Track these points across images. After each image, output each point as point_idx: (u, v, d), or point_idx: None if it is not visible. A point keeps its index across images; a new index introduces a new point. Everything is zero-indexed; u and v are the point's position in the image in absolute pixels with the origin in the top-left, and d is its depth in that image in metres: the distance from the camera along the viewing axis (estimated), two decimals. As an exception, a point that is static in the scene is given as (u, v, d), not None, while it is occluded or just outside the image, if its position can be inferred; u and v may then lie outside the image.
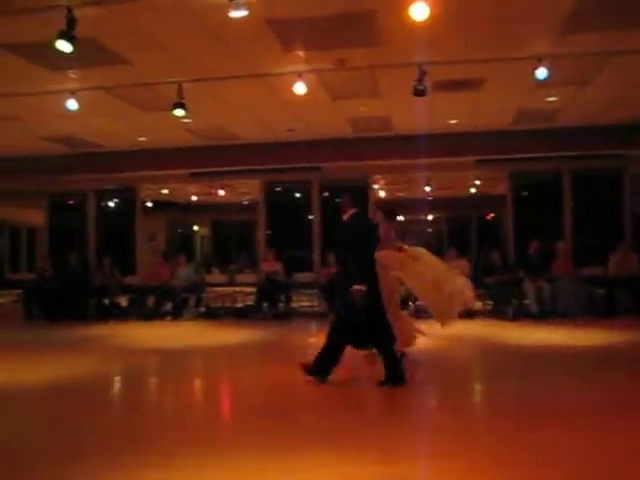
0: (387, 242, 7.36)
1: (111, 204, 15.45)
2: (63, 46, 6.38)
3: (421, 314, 8.47)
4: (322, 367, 6.51)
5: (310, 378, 6.53)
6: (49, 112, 10.50)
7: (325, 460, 4.22)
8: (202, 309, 13.62)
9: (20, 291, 15.24)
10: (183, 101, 8.77)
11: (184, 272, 13.74)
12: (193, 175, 14.66)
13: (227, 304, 13.78)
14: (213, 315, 13.32)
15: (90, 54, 7.57)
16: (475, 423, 5.29)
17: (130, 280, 13.91)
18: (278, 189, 14.74)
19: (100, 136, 12.73)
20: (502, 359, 8.28)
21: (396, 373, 6.40)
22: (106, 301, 13.70)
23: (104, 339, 10.91)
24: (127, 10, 6.49)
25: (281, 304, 13.14)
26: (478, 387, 7.22)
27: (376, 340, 6.56)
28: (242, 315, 13.07)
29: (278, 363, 8.35)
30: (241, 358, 8.90)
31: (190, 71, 8.51)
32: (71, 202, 15.80)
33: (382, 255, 6.84)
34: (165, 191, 17.42)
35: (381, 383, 6.37)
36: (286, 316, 12.88)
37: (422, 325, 7.78)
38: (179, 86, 8.68)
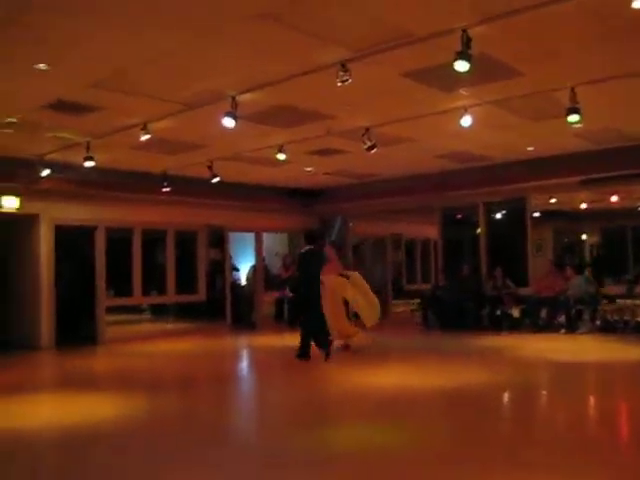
0: (334, 268, 11.02)
1: (500, 215, 15.56)
2: (461, 66, 6.61)
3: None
4: (303, 351, 10.08)
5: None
6: (442, 131, 11.02)
7: None
8: (598, 322, 12.95)
9: (417, 300, 16.25)
10: (577, 106, 8.44)
11: (576, 283, 13.23)
12: (583, 182, 14.01)
13: (626, 318, 12.87)
14: (611, 329, 12.56)
15: (481, 70, 7.71)
16: None
17: (522, 291, 13.84)
18: (682, 191, 13.35)
19: (489, 149, 12.94)
20: None
21: (304, 351, 10.05)
22: (498, 312, 13.84)
23: (497, 350, 11.03)
24: (521, 22, 6.47)
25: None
26: None
27: (306, 326, 10.25)
28: (644, 330, 12.09)
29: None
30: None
31: (583, 73, 8.16)
32: (460, 216, 16.37)
33: (326, 279, 10.45)
34: (553, 200, 17.00)
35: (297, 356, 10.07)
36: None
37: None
38: (572, 91, 8.38)
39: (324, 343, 10.18)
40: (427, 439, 5.48)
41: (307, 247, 10.67)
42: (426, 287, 18.46)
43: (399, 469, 4.56)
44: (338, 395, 7.53)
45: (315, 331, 10.21)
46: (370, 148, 10.44)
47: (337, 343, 10.70)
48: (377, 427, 5.92)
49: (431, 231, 18.12)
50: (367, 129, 10.34)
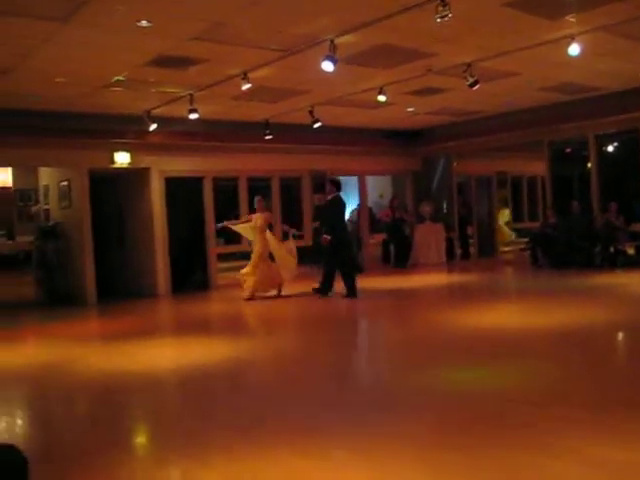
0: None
1: (611, 148, 14.85)
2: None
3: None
4: (324, 288, 11.21)
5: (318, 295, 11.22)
6: (548, 62, 10.56)
7: None
8: None
9: (526, 239, 15.90)
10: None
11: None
12: None
13: None
14: None
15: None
16: None
17: (638, 227, 13.25)
18: None
19: (599, 78, 12.30)
20: None
21: (352, 290, 10.84)
22: (612, 249, 13.34)
23: (611, 288, 10.69)
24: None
25: None
26: None
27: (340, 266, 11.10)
28: None
29: None
30: None
31: None
32: (569, 150, 15.75)
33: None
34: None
35: (343, 296, 10.92)
36: None
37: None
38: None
39: (352, 284, 10.91)
40: (543, 379, 5.42)
41: (335, 193, 11.22)
42: (534, 225, 17.99)
43: (513, 410, 4.55)
44: (451, 335, 7.51)
45: (346, 271, 11.04)
46: (473, 84, 10.16)
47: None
48: (490, 367, 5.91)
49: (538, 167, 17.54)
50: (469, 65, 10.05)
